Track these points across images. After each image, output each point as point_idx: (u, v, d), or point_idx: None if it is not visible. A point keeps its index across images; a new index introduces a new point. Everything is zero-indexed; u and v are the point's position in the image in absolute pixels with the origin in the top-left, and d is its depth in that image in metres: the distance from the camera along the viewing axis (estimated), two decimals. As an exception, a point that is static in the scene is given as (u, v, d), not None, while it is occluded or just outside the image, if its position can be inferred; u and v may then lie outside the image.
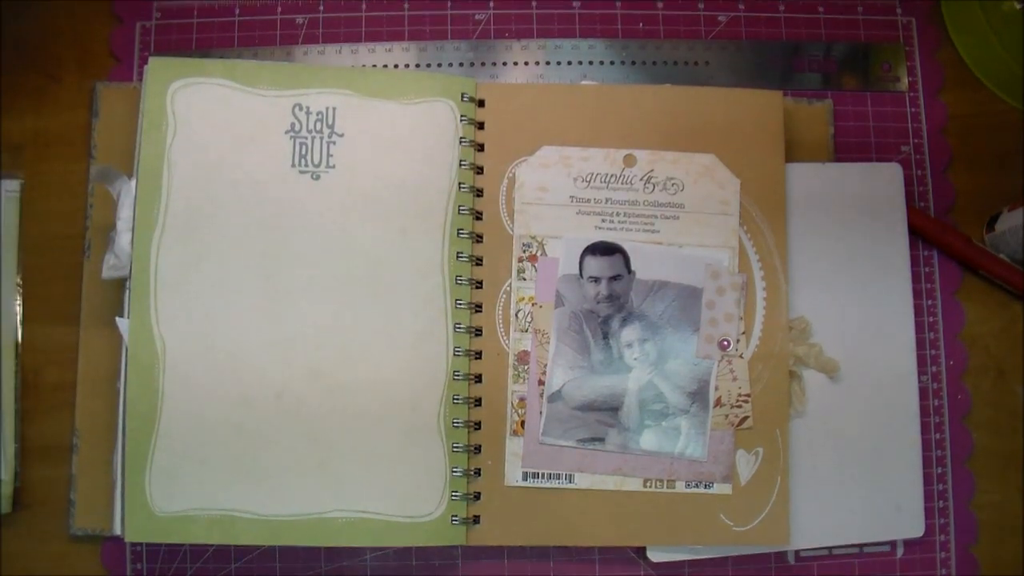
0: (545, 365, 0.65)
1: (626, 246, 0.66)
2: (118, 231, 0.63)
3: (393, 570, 0.67)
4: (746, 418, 0.65)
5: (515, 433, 0.65)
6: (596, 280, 0.66)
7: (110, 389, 0.66)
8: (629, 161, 0.67)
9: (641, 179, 0.67)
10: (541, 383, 0.65)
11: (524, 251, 0.66)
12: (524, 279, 0.66)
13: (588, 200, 0.67)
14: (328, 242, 0.64)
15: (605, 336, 0.65)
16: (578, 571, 0.68)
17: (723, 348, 0.65)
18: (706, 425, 0.65)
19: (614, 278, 0.66)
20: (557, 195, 0.67)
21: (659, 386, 0.65)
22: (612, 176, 0.67)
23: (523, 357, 0.65)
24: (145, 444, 0.61)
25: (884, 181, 0.70)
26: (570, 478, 0.65)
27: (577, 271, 0.66)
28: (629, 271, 0.66)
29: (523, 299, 0.66)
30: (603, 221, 0.67)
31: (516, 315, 0.66)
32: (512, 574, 0.67)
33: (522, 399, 0.65)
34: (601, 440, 0.65)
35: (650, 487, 0.65)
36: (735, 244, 0.67)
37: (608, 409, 0.65)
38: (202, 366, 0.62)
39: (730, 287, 0.66)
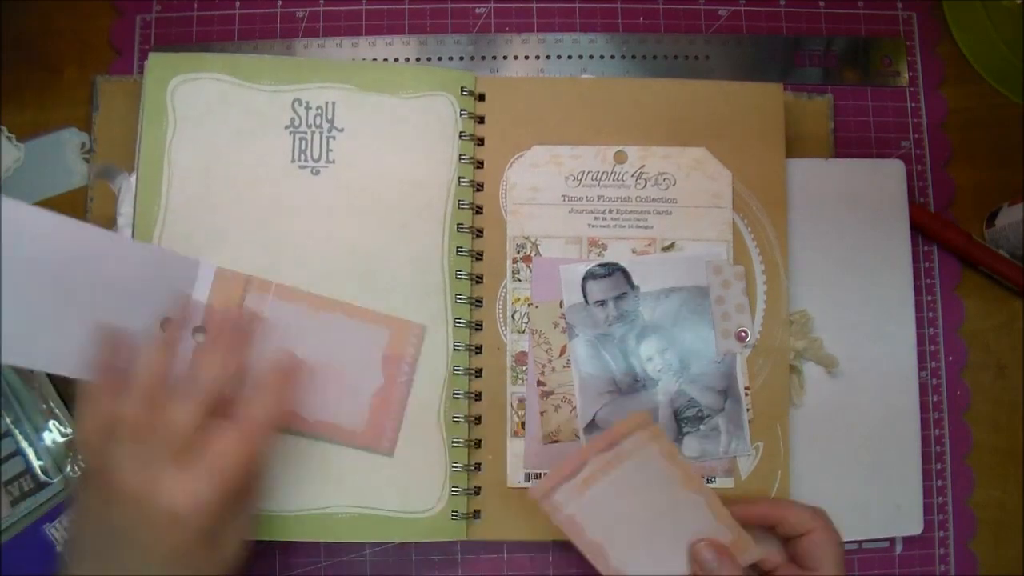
0: (543, 365, 0.65)
1: (623, 262, 0.66)
2: (119, 227, 0.63)
3: (393, 565, 0.67)
4: (747, 410, 0.65)
5: (516, 435, 0.65)
6: (602, 303, 0.65)
7: (110, 383, 0.66)
8: (620, 158, 0.67)
9: (632, 175, 0.67)
10: (540, 384, 0.65)
11: (518, 252, 0.66)
12: (519, 280, 0.66)
13: (580, 199, 0.67)
14: (328, 237, 0.64)
15: (624, 356, 0.65)
16: (578, 566, 0.68)
17: (741, 339, 0.65)
18: (743, 419, 0.65)
19: (619, 297, 0.65)
20: (549, 195, 0.67)
21: (689, 392, 0.65)
22: (603, 173, 0.67)
23: (521, 358, 0.65)
24: (146, 441, 0.61)
25: (887, 177, 0.70)
26: (571, 477, 0.65)
27: (582, 299, 0.66)
28: (632, 287, 0.65)
29: (519, 300, 0.66)
30: (596, 219, 0.67)
31: (512, 316, 0.66)
32: (512, 569, 0.67)
33: (521, 400, 0.65)
34: None
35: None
36: (729, 237, 0.67)
37: None
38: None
39: (734, 278, 0.66)
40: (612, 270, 0.66)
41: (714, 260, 0.66)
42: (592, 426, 0.65)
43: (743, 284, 0.66)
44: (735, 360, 0.65)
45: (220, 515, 0.51)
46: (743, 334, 0.65)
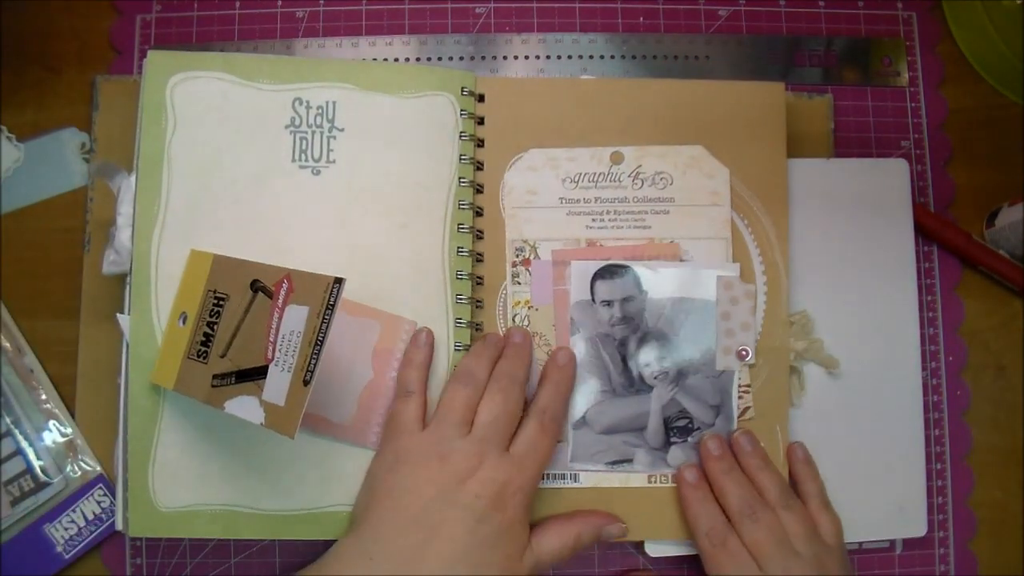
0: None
1: (635, 267, 0.66)
2: (118, 227, 0.63)
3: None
4: (747, 408, 0.65)
5: (516, 436, 0.65)
6: (609, 303, 0.65)
7: (110, 383, 0.66)
8: (616, 158, 0.67)
9: (629, 176, 0.67)
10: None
11: (517, 255, 0.66)
12: (519, 283, 0.66)
13: (578, 200, 0.67)
14: (328, 237, 0.63)
15: (623, 358, 0.65)
16: (577, 566, 0.68)
17: (741, 358, 0.65)
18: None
19: (626, 299, 0.65)
20: (546, 197, 0.67)
21: (682, 402, 0.65)
22: (600, 175, 0.67)
23: (521, 358, 0.65)
24: (148, 440, 0.61)
25: (890, 177, 0.70)
26: (575, 477, 0.65)
27: (589, 296, 0.66)
28: (640, 291, 0.65)
29: (519, 303, 0.66)
30: (593, 221, 0.66)
31: (513, 319, 0.66)
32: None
33: (521, 400, 0.65)
34: (630, 461, 0.65)
35: (653, 482, 0.65)
36: (727, 235, 0.66)
37: (634, 430, 0.65)
38: (203, 361, 0.62)
39: (743, 296, 0.66)
40: (623, 272, 0.66)
41: (726, 276, 0.66)
42: (581, 423, 0.65)
43: (751, 303, 0.66)
44: (733, 378, 0.65)
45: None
46: (744, 352, 0.65)
